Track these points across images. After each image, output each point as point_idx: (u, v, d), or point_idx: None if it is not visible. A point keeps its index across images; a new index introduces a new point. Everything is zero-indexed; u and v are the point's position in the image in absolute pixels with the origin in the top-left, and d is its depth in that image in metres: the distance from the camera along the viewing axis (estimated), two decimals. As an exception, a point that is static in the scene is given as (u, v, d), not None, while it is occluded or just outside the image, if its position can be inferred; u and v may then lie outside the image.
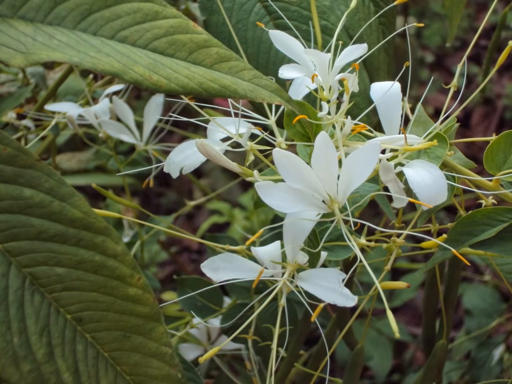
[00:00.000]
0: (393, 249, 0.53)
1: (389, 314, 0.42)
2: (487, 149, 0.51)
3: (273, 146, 0.51)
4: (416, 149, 0.49)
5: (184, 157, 0.52)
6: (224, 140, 0.53)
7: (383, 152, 0.49)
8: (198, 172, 1.75)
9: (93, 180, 0.79)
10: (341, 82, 0.50)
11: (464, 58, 0.56)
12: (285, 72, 0.52)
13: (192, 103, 0.54)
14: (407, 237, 0.53)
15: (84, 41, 0.44)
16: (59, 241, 0.44)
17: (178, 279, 0.73)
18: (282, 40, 0.53)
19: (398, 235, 0.53)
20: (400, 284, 0.48)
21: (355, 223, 0.47)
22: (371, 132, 0.52)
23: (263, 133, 0.52)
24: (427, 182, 0.46)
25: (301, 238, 0.49)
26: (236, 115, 0.52)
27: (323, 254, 0.52)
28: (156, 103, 0.79)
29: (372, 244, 0.51)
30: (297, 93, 0.55)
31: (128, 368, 0.46)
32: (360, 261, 0.45)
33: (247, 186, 1.63)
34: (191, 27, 0.47)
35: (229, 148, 0.52)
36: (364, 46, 0.51)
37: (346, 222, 0.46)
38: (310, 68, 0.52)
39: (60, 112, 0.79)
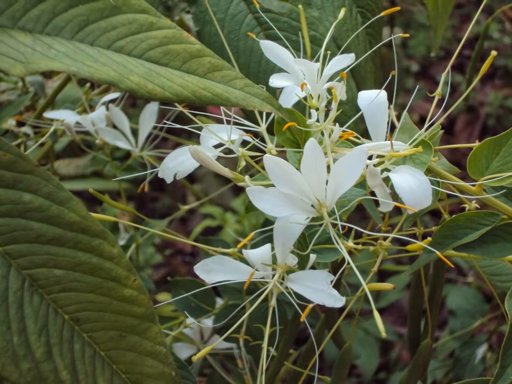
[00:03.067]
0: (380, 251, 0.53)
1: (376, 314, 0.43)
2: (470, 155, 0.52)
3: (264, 152, 0.52)
4: (402, 155, 0.49)
5: (178, 163, 0.52)
6: (217, 146, 0.53)
7: (370, 158, 0.49)
8: (192, 177, 1.75)
9: (90, 185, 0.80)
10: (329, 91, 0.50)
11: (448, 67, 0.56)
12: (275, 80, 0.52)
13: (186, 111, 0.54)
14: (393, 240, 0.54)
15: (82, 51, 0.44)
16: (57, 244, 0.45)
17: (172, 280, 0.74)
18: (272, 50, 0.53)
19: (385, 238, 0.53)
20: (386, 285, 0.49)
21: (343, 227, 0.47)
22: (359, 138, 0.52)
23: (254, 140, 0.52)
24: (413, 187, 0.47)
25: (291, 241, 0.49)
26: (228, 122, 0.53)
27: (312, 257, 0.53)
28: (151, 110, 0.79)
29: (360, 247, 0.51)
30: (287, 101, 0.55)
31: (124, 367, 0.47)
32: (348, 263, 0.46)
33: (239, 191, 1.63)
34: (185, 37, 0.47)
35: (222, 154, 0.52)
36: (352, 55, 0.51)
37: (334, 225, 0.47)
38: (299, 77, 0.52)
39: (58, 120, 0.79)
